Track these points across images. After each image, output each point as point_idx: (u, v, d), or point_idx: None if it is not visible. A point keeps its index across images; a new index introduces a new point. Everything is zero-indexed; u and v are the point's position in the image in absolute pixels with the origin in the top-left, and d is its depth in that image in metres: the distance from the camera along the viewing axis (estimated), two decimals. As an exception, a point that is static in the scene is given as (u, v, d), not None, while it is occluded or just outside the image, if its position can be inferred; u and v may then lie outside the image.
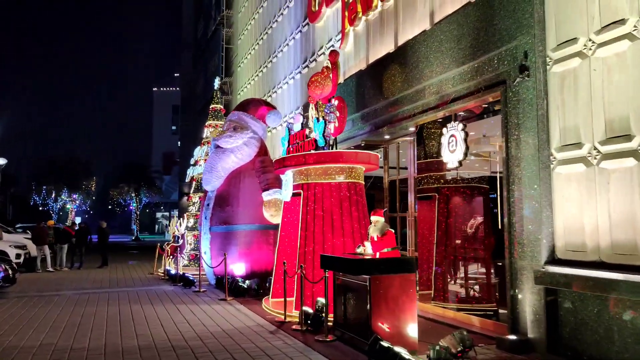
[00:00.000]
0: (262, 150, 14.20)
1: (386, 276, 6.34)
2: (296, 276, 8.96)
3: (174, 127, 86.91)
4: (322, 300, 8.08)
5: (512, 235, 7.01)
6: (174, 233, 17.80)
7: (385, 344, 5.73)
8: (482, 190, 9.63)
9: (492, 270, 8.62)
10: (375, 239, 8.10)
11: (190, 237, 16.71)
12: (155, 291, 12.67)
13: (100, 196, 62.82)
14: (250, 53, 22.90)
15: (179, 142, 74.67)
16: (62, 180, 51.90)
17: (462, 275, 9.27)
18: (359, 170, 9.47)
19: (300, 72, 16.21)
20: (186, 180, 18.52)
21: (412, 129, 10.39)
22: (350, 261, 6.73)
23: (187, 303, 10.70)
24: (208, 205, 13.95)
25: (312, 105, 10.18)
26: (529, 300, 6.63)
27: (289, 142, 10.37)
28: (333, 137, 9.33)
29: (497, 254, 8.40)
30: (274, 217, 13.23)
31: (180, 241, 16.38)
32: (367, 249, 7.87)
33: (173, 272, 14.85)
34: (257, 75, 21.50)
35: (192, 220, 17.04)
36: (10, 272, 12.37)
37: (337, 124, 9.28)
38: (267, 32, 20.03)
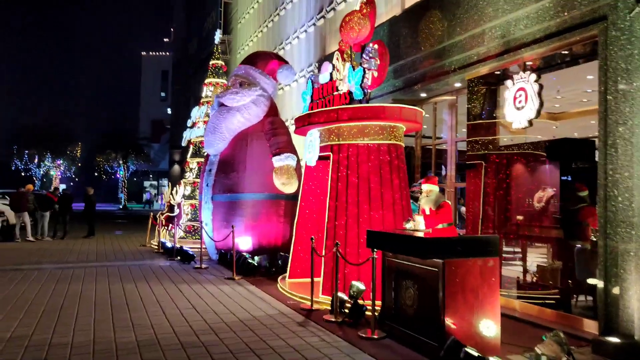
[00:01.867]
0: (272, 110, 12.55)
1: (464, 260, 4.87)
2: (324, 256, 7.49)
3: (163, 94, 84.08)
4: (358, 285, 6.64)
5: (611, 211, 5.56)
6: (168, 202, 16.19)
7: (473, 352, 4.29)
8: (541, 157, 8.15)
9: (563, 253, 7.20)
10: (428, 212, 6.63)
11: (187, 207, 15.14)
12: (150, 266, 11.15)
13: (85, 163, 60.62)
14: (253, 7, 20.94)
15: (168, 109, 72.33)
16: (44, 145, 49.61)
17: (522, 257, 7.85)
18: (400, 130, 7.93)
19: (314, 25, 14.44)
20: (182, 144, 16.83)
21: (458, 84, 8.83)
22: (413, 239, 5.23)
23: (189, 282, 9.21)
24: (210, 171, 12.35)
25: (336, 54, 8.56)
26: (637, 294, 5.22)
27: (312, 96, 8.79)
28: (369, 90, 7.76)
29: (573, 233, 6.98)
30: (285, 185, 11.68)
31: (177, 211, 14.82)
32: (418, 224, 6.41)
33: (169, 245, 13.33)
34: (261, 30, 19.62)
35: (189, 188, 15.45)
36: (-18, 241, 10.75)
37: (376, 74, 7.68)
38: (272, -17, 18.15)
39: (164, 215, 14.85)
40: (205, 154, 13.93)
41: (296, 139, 11.79)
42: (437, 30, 8.69)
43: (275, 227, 11.80)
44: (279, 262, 10.46)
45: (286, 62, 12.89)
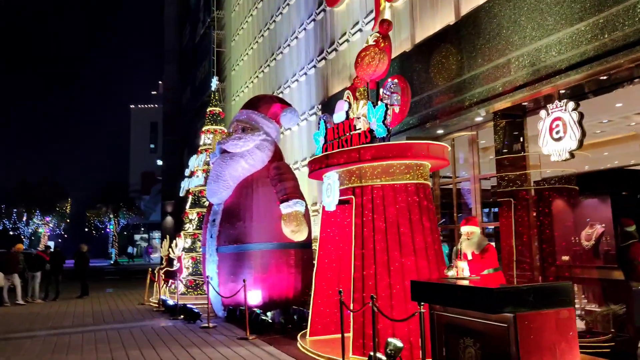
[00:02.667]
0: (277, 155, 12.03)
1: (538, 313, 4.21)
2: (355, 311, 6.76)
3: (152, 145, 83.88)
4: (395, 342, 5.92)
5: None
6: (166, 256, 15.34)
7: None
8: (579, 190, 7.62)
9: (616, 296, 6.55)
10: (470, 256, 5.99)
11: (187, 260, 14.31)
12: (153, 328, 10.25)
13: (75, 218, 59.30)
14: (247, 54, 20.80)
15: (158, 161, 71.82)
16: (34, 203, 48.51)
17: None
18: (427, 168, 7.38)
19: (314, 66, 14.15)
20: (180, 194, 16.15)
21: (479, 118, 8.39)
22: (473, 290, 4.56)
23: (199, 345, 8.35)
24: (214, 221, 11.65)
25: (347, 93, 8.13)
26: None
27: (325, 137, 8.25)
28: (391, 127, 7.25)
29: (626, 273, 6.35)
30: (295, 233, 11.02)
31: (177, 265, 13.97)
32: (462, 271, 5.76)
33: (171, 302, 12.42)
34: (257, 76, 19.38)
35: (189, 240, 14.66)
36: (-32, 310, 9.83)
37: (397, 109, 7.22)
38: (268, 28, 18.00)
39: (163, 270, 13.98)
40: (207, 203, 13.28)
41: (304, 183, 11.22)
42: (454, 63, 8.32)
43: (286, 279, 11.04)
44: (295, 317, 9.64)
45: (289, 105, 12.48)
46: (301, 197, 11.44)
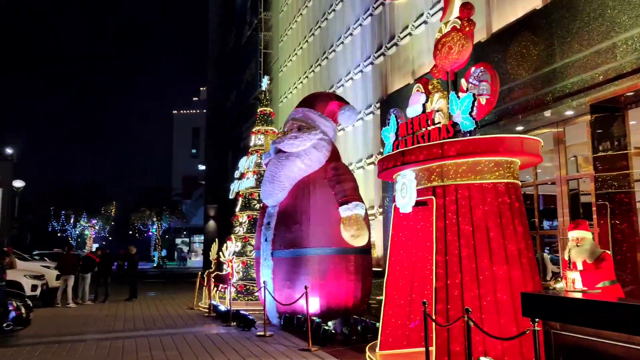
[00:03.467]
0: (334, 155, 11.43)
1: None
2: (446, 326, 6.04)
3: (194, 150, 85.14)
4: (489, 361, 5.16)
5: None
6: (215, 259, 14.94)
7: None
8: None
9: None
10: (581, 266, 5.19)
11: (238, 264, 13.87)
12: (207, 335, 9.78)
13: (119, 221, 60.47)
14: (296, 54, 20.38)
15: (199, 166, 72.69)
16: (81, 205, 49.71)
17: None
18: (517, 166, 6.61)
19: (372, 63, 13.51)
20: (230, 197, 15.77)
21: (570, 112, 7.54)
22: (619, 307, 3.77)
23: (259, 356, 7.78)
24: (268, 224, 11.13)
25: (417, 86, 7.48)
26: None
27: (397, 133, 7.57)
28: (476, 120, 6.52)
29: None
30: (355, 237, 10.37)
31: (227, 269, 13.53)
32: (573, 282, 4.97)
33: (222, 308, 11.97)
34: (307, 76, 18.90)
35: (239, 244, 14.22)
36: (23, 311, 9.61)
37: (484, 101, 6.50)
38: (319, 27, 17.51)
39: (213, 274, 13.56)
40: (259, 205, 12.83)
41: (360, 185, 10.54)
42: (543, 51, 7.51)
43: (345, 286, 10.39)
44: (359, 327, 8.97)
45: (347, 103, 11.87)
46: (361, 199, 10.81)
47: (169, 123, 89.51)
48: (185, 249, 64.60)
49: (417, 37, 11.18)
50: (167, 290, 20.10)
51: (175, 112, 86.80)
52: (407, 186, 7.02)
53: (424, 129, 6.96)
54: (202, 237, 52.64)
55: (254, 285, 13.55)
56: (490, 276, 6.01)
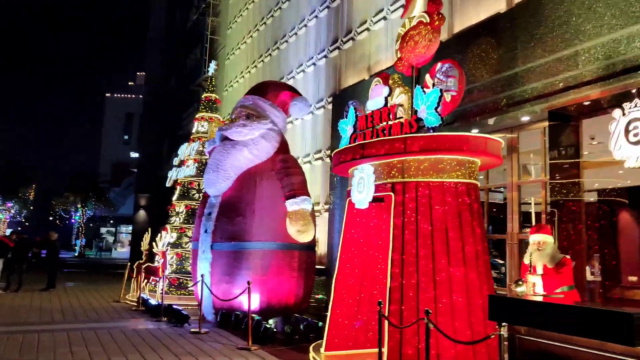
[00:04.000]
0: (283, 147, 11.01)
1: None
2: (405, 327, 5.79)
3: (126, 137, 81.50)
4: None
5: None
6: (146, 250, 14.04)
7: None
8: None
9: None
10: (541, 270, 5.12)
11: (172, 256, 13.09)
12: (135, 330, 9.05)
13: (38, 206, 56.62)
14: (245, 42, 19.70)
15: (132, 153, 69.80)
16: (-4, 185, 46.06)
17: None
18: (477, 165, 6.51)
19: (326, 57, 13.18)
20: (167, 185, 14.90)
21: (526, 117, 7.58)
22: (597, 313, 3.62)
23: (195, 354, 7.22)
24: (209, 214, 10.52)
25: (376, 80, 7.27)
26: None
27: (355, 126, 7.30)
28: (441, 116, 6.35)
29: None
30: (301, 233, 10.03)
31: (160, 261, 12.71)
32: (533, 286, 4.88)
33: (153, 302, 11.20)
34: (255, 66, 18.30)
35: (174, 235, 13.45)
36: None
37: (449, 98, 6.34)
38: (272, 16, 16.98)
39: (144, 266, 12.69)
40: (202, 195, 12.16)
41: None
42: (503, 55, 7.50)
43: (287, 283, 10.00)
44: (301, 326, 8.60)
45: (299, 94, 11.49)
46: (308, 193, 10.47)
47: (100, 106, 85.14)
48: (111, 238, 61.56)
49: (376, 32, 10.98)
50: (89, 281, 18.73)
51: (109, 95, 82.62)
52: (365, 181, 6.73)
53: (384, 123, 6.72)
54: (131, 228, 50.31)
55: (189, 279, 12.85)
56: (447, 278, 5.84)
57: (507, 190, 8.22)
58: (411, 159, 6.22)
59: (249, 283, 8.28)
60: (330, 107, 12.77)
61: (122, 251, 54.61)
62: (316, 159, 12.80)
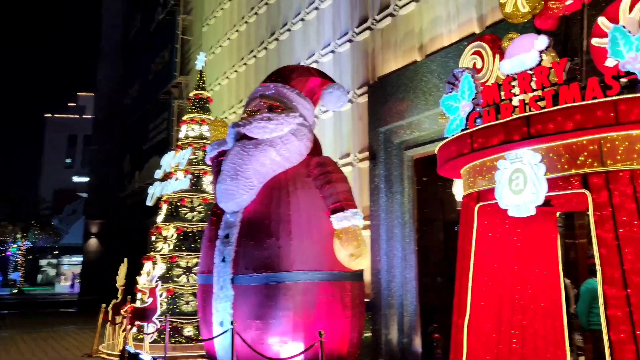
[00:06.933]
0: (316, 147, 8.57)
1: None
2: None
3: (68, 160, 75.93)
4: None
5: None
6: (122, 287, 11.03)
7: None
8: None
9: None
10: None
11: (161, 293, 10.22)
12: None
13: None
14: (228, 38, 17.15)
15: (75, 177, 65.13)
16: None
17: None
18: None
19: (350, 41, 10.88)
20: (148, 204, 12.01)
21: None
22: None
23: None
24: (227, 237, 7.83)
25: (481, 47, 5.11)
26: None
27: (474, 100, 5.10)
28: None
29: None
30: (355, 258, 7.50)
31: (149, 300, 9.79)
32: None
33: (147, 357, 8.33)
34: (245, 64, 15.76)
35: (163, 266, 10.60)
36: None
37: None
38: (266, 3, 14.61)
39: (129, 307, 9.71)
40: (209, 213, 9.49)
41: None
42: None
43: (341, 325, 7.45)
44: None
45: (332, 80, 9.09)
46: (356, 206, 8.05)
47: (40, 127, 79.13)
48: (52, 271, 56.19)
49: (429, 3, 8.85)
50: (35, 326, 15.00)
51: (49, 115, 76.85)
52: (526, 175, 4.43)
53: (539, 90, 4.51)
54: (76, 258, 45.63)
55: (185, 321, 10.05)
56: None
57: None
58: (621, 134, 4.00)
59: (320, 334, 5.71)
60: (359, 100, 10.47)
61: (65, 285, 49.55)
62: (342, 165, 10.40)
